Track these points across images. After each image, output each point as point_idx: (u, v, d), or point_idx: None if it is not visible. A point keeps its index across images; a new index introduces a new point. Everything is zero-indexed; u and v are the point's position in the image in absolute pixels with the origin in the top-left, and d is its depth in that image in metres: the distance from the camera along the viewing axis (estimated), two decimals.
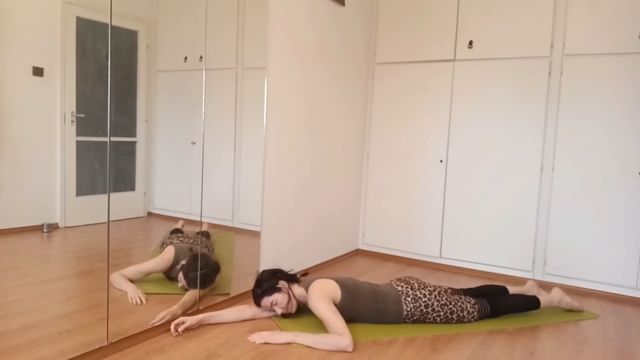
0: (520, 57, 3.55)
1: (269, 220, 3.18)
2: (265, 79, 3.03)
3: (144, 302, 2.33)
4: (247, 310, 2.62)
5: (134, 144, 2.31)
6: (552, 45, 3.46)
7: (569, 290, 3.44)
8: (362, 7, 4.01)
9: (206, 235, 2.76)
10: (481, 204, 3.74)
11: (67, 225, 2.04)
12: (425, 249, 3.99)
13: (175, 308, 2.46)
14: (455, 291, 2.83)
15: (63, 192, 2.00)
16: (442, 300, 2.64)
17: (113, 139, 2.14)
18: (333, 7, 3.62)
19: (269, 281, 2.57)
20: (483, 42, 3.67)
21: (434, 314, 2.63)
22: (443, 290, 2.73)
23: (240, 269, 2.99)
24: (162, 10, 2.36)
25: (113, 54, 2.10)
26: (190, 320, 2.41)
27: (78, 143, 2.03)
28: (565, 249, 3.47)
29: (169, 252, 2.52)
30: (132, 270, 2.32)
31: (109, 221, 2.13)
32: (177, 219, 2.59)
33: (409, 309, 2.60)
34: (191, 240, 2.61)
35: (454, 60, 3.80)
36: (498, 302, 2.78)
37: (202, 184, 2.65)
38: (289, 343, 2.35)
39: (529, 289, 3.03)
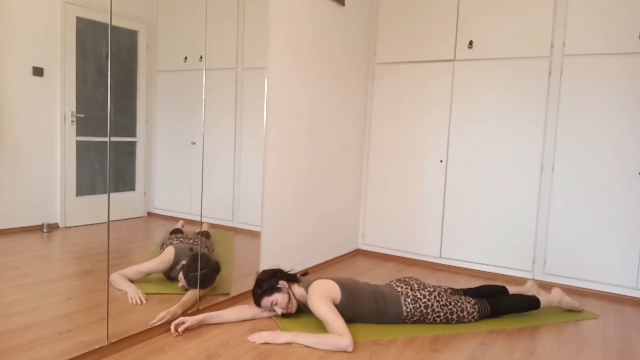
0: (520, 57, 3.55)
1: (269, 220, 3.18)
2: (265, 79, 3.03)
3: (144, 302, 2.33)
4: (247, 310, 2.62)
5: (134, 144, 2.31)
6: (552, 45, 3.46)
7: (569, 290, 3.44)
8: (362, 7, 4.01)
9: (206, 235, 2.76)
10: (481, 204, 3.74)
11: (67, 225, 2.04)
12: (425, 249, 3.99)
13: (175, 308, 2.46)
14: (455, 291, 2.83)
15: (63, 192, 2.00)
16: (442, 300, 2.64)
17: (113, 139, 2.14)
18: (333, 7, 3.62)
19: (269, 281, 2.57)
20: (483, 42, 3.67)
21: (434, 315, 2.63)
22: (443, 290, 2.73)
23: (240, 269, 2.99)
24: (162, 10, 2.36)
25: (113, 54, 2.10)
26: (190, 320, 2.41)
27: (78, 143, 2.03)
28: (565, 249, 3.47)
29: (169, 253, 2.52)
30: (132, 270, 2.32)
31: (109, 221, 2.13)
32: (177, 219, 2.59)
33: (408, 310, 2.60)
34: (191, 241, 2.61)
35: (454, 60, 3.80)
36: (498, 302, 2.77)
37: (202, 184, 2.65)
38: (289, 343, 2.35)
39: (528, 289, 3.03)
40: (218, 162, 2.78)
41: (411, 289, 2.65)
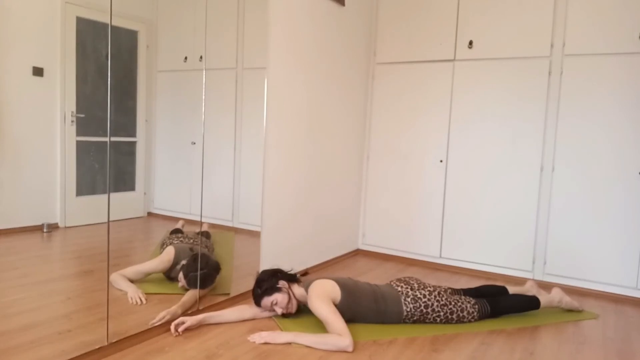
0: (520, 57, 3.55)
1: (269, 220, 3.18)
2: (265, 79, 3.03)
3: (144, 302, 2.33)
4: (247, 310, 2.62)
5: (134, 144, 2.31)
6: (552, 45, 3.46)
7: (569, 290, 3.44)
8: (362, 7, 4.01)
9: (206, 235, 2.76)
10: (481, 204, 3.74)
11: (67, 225, 2.04)
12: (425, 249, 3.99)
13: (175, 308, 2.46)
14: (455, 291, 2.83)
15: (63, 192, 2.00)
16: (442, 300, 2.64)
17: (113, 139, 2.14)
18: (333, 7, 3.62)
19: (269, 281, 2.57)
20: (483, 42, 3.67)
21: (434, 314, 2.63)
22: (443, 290, 2.73)
23: (240, 269, 2.99)
24: (162, 10, 2.36)
25: (113, 54, 2.10)
26: (190, 320, 2.41)
27: (78, 143, 2.03)
28: (565, 249, 3.47)
29: (169, 253, 2.52)
30: (132, 270, 2.32)
31: (109, 221, 2.13)
32: (177, 219, 2.59)
33: (408, 310, 2.60)
34: (191, 241, 2.61)
35: (454, 60, 3.80)
36: (498, 302, 2.78)
37: (202, 184, 2.65)
38: (289, 343, 2.35)
39: (528, 289, 3.03)
40: (218, 162, 2.78)
41: (411, 289, 2.65)
